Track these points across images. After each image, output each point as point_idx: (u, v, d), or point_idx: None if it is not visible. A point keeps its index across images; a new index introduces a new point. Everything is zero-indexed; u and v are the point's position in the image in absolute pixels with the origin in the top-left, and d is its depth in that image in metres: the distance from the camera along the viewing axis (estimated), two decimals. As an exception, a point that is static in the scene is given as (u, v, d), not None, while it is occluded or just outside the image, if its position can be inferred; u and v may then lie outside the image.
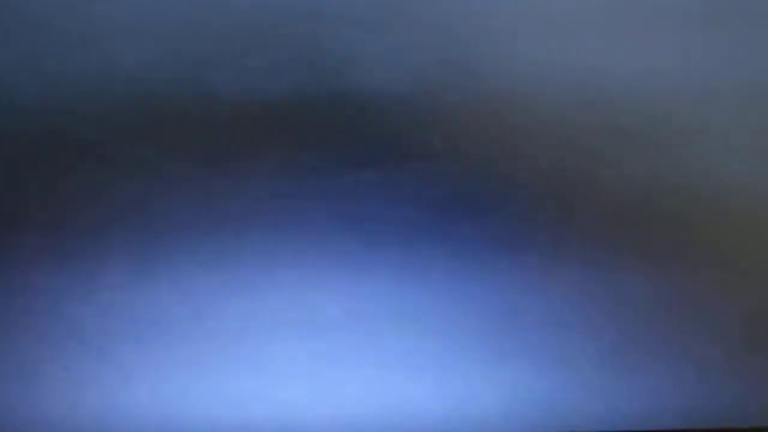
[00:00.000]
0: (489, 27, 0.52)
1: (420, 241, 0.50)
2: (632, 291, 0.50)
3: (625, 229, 0.51)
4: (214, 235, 0.50)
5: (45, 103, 0.51)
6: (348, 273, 0.50)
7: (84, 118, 0.51)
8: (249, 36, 0.51)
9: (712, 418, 0.50)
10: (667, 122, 0.51)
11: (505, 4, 0.52)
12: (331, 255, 0.50)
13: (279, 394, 0.49)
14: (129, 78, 0.51)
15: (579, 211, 0.51)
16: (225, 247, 0.50)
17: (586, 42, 0.52)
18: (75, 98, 0.51)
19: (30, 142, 0.50)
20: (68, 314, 0.49)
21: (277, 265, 0.50)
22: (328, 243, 0.50)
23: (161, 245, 0.50)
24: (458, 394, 0.50)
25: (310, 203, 0.51)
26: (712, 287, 0.51)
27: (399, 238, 0.50)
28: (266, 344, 0.50)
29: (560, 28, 0.52)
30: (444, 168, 0.51)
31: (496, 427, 0.49)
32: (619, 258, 0.51)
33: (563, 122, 0.51)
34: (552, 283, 0.50)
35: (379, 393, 0.50)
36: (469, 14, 0.51)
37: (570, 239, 0.50)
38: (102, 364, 0.49)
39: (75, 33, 0.51)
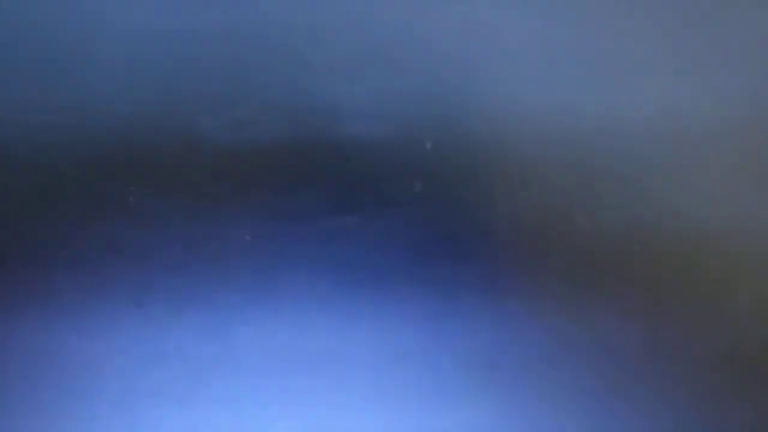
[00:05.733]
0: (468, 75, 0.53)
1: (400, 284, 0.51)
2: (609, 334, 0.51)
3: (602, 272, 0.52)
4: (197, 278, 0.51)
5: (30, 144, 0.51)
6: (329, 315, 0.51)
7: (69, 161, 0.51)
8: (234, 83, 0.52)
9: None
10: (642, 167, 0.53)
11: (485, 52, 0.53)
12: (313, 298, 0.51)
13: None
14: (115, 122, 0.52)
15: (556, 255, 0.52)
16: (208, 289, 0.51)
17: (564, 89, 0.53)
18: (61, 140, 0.51)
19: (13, 181, 0.51)
20: (51, 350, 0.50)
21: (258, 307, 0.51)
22: (310, 286, 0.51)
23: (144, 287, 0.51)
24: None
25: (293, 247, 0.51)
26: (688, 329, 0.52)
27: (380, 281, 0.51)
28: (246, 384, 0.51)
29: (539, 76, 0.53)
30: (424, 212, 0.52)
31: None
32: (596, 301, 0.52)
33: (541, 167, 0.52)
34: (530, 327, 0.51)
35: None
36: (449, 63, 0.53)
37: (547, 282, 0.52)
38: (78, 401, 0.50)
39: (63, 76, 0.52)
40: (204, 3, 0.52)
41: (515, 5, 0.53)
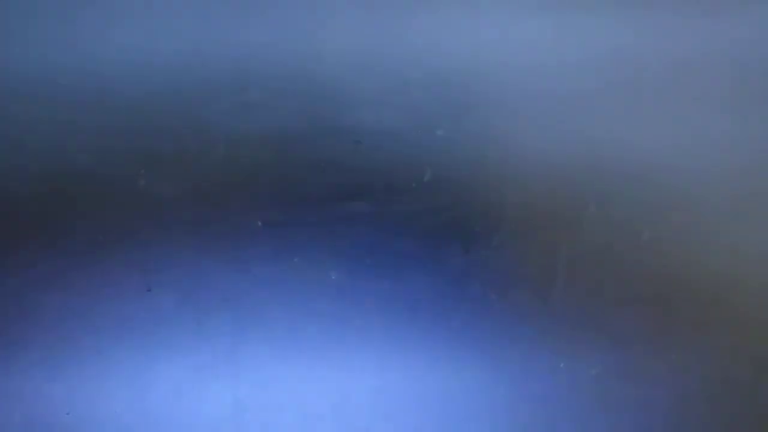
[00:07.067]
0: (478, 66, 0.53)
1: (409, 272, 0.51)
2: (618, 325, 0.52)
3: (611, 262, 0.52)
4: (206, 265, 0.51)
5: (40, 131, 0.51)
6: (337, 303, 0.51)
7: (81, 149, 0.51)
8: (246, 71, 0.52)
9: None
10: (650, 164, 0.53)
11: (496, 45, 0.53)
12: (321, 286, 0.51)
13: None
14: (126, 108, 0.52)
15: (565, 244, 0.52)
16: (217, 275, 0.51)
17: (576, 83, 0.53)
18: (71, 127, 0.51)
19: (23, 167, 0.51)
20: (61, 334, 0.50)
21: (268, 293, 0.51)
22: (319, 273, 0.51)
23: (154, 272, 0.51)
24: (445, 426, 0.51)
25: (303, 234, 0.52)
26: (694, 324, 0.52)
27: (389, 268, 0.51)
28: (254, 370, 0.51)
29: (552, 68, 0.53)
30: (434, 200, 0.52)
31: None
32: (605, 291, 0.52)
33: (552, 157, 0.52)
34: (539, 316, 0.51)
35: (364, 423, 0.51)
36: (459, 53, 0.53)
37: (557, 273, 0.52)
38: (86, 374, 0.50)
39: (72, 63, 0.52)
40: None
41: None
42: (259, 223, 0.51)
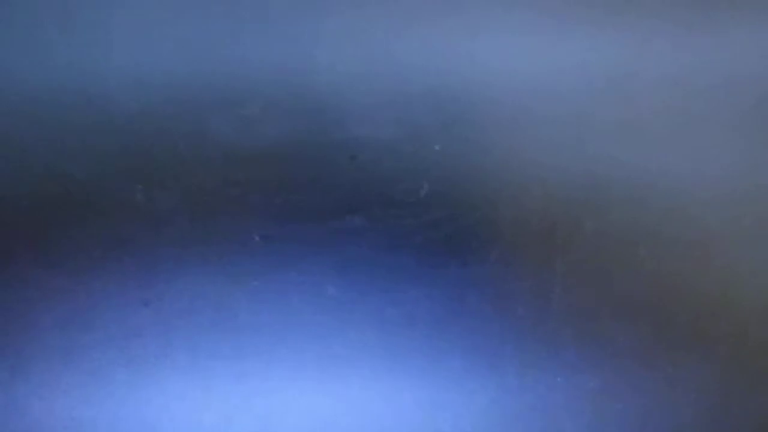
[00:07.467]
0: (476, 81, 0.53)
1: (406, 286, 0.52)
2: (615, 337, 0.52)
3: (607, 277, 0.52)
4: (202, 277, 0.51)
5: (38, 143, 0.51)
6: (333, 317, 0.51)
7: (78, 159, 0.51)
8: (244, 83, 0.52)
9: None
10: (647, 179, 0.53)
11: (493, 60, 0.53)
12: (317, 299, 0.51)
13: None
14: (123, 120, 0.52)
15: (563, 259, 0.52)
16: (213, 287, 0.51)
17: (573, 98, 0.53)
18: (70, 139, 0.51)
19: (21, 178, 0.51)
20: (58, 348, 0.50)
21: (263, 306, 0.51)
22: (315, 287, 0.51)
23: (151, 286, 0.51)
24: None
25: (300, 247, 0.52)
26: (691, 338, 0.52)
27: (386, 283, 0.52)
28: (251, 383, 0.51)
29: (549, 83, 0.53)
30: (431, 214, 0.52)
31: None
32: (602, 305, 0.52)
33: (549, 172, 0.53)
34: (536, 331, 0.52)
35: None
36: (457, 67, 0.53)
37: (554, 287, 0.52)
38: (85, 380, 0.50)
39: (71, 75, 0.52)
40: (212, 3, 0.52)
41: (527, 10, 0.53)
42: (257, 238, 0.52)
